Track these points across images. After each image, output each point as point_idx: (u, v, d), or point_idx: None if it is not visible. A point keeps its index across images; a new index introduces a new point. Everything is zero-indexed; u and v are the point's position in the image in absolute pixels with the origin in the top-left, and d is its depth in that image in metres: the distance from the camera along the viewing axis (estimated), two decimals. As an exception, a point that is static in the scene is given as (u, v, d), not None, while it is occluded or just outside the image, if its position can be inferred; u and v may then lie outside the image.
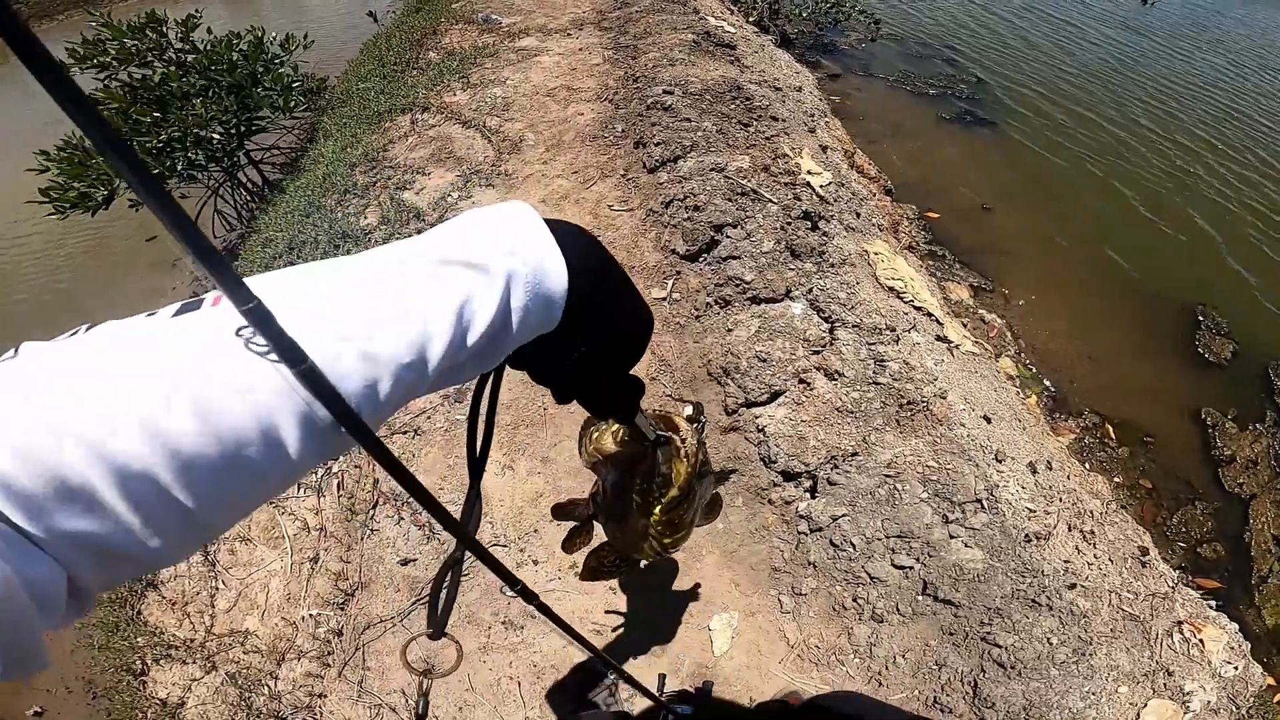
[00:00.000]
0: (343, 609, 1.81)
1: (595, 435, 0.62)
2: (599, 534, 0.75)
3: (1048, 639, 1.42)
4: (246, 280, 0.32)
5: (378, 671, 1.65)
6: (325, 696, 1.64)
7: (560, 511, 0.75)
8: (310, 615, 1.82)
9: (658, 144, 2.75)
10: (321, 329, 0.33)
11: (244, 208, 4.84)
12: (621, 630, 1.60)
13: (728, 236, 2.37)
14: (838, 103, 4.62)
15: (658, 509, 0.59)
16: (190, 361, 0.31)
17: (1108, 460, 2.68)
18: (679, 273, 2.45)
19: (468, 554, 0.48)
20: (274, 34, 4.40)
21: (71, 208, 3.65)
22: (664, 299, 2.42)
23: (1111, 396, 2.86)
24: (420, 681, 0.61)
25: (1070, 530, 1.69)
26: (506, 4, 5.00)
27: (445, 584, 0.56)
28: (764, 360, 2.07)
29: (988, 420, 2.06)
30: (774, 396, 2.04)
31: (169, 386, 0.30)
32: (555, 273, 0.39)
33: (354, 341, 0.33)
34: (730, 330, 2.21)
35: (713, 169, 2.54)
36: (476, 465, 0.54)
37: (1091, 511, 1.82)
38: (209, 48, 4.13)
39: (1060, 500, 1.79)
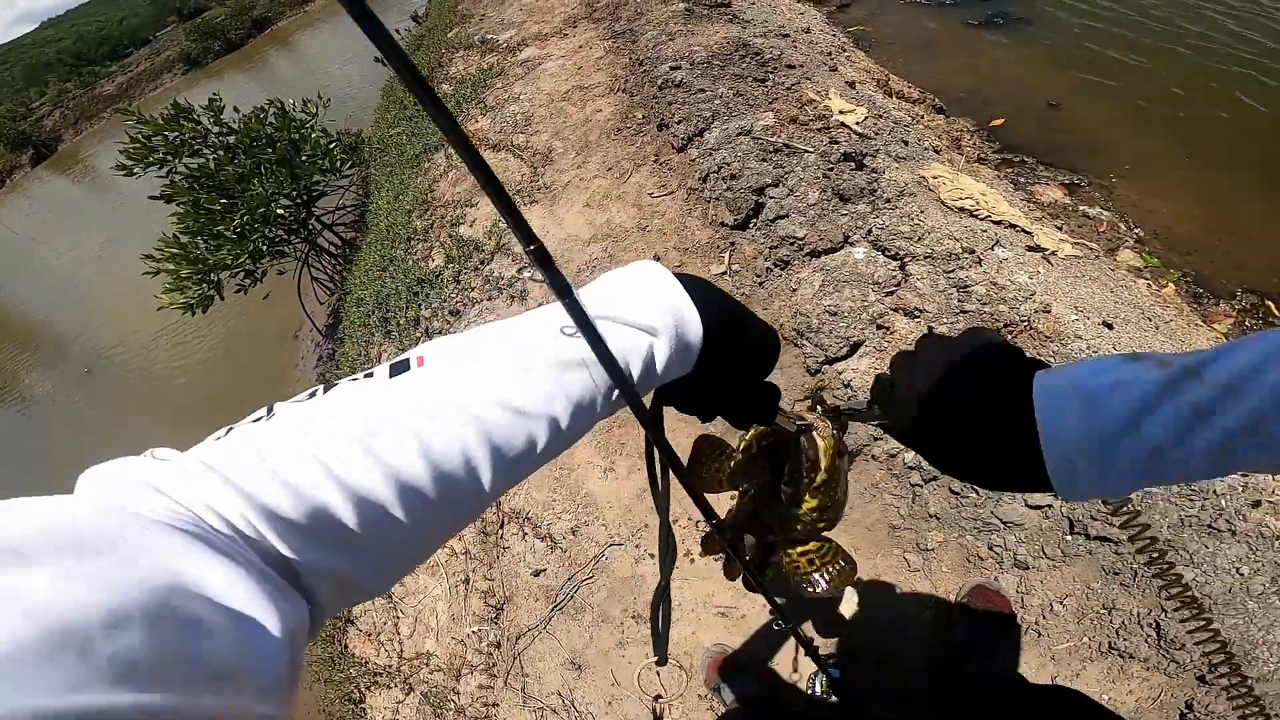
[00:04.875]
0: (496, 623, 1.98)
1: (726, 461, 0.63)
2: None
3: (1236, 569, 1.25)
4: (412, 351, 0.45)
5: (535, 676, 1.81)
6: (498, 705, 1.82)
7: (709, 546, 0.71)
8: (472, 632, 2.01)
9: (679, 121, 2.69)
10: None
11: (333, 271, 5.09)
12: (750, 610, 1.64)
13: (770, 197, 2.29)
14: (858, 32, 4.33)
15: (808, 495, 0.60)
16: (413, 412, 0.39)
17: (1281, 343, 2.34)
18: (732, 244, 2.41)
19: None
20: (292, 101, 4.47)
21: (196, 306, 3.96)
22: (723, 273, 2.39)
23: (1267, 270, 2.48)
24: (654, 707, 0.71)
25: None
26: (498, 21, 5.03)
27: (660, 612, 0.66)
28: (834, 313, 2.01)
29: (1109, 326, 1.88)
30: (854, 348, 1.97)
31: (399, 432, 0.38)
32: (693, 325, 0.46)
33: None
34: (794, 290, 2.15)
35: (739, 133, 2.45)
36: (661, 498, 0.64)
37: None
38: (241, 126, 4.22)
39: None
